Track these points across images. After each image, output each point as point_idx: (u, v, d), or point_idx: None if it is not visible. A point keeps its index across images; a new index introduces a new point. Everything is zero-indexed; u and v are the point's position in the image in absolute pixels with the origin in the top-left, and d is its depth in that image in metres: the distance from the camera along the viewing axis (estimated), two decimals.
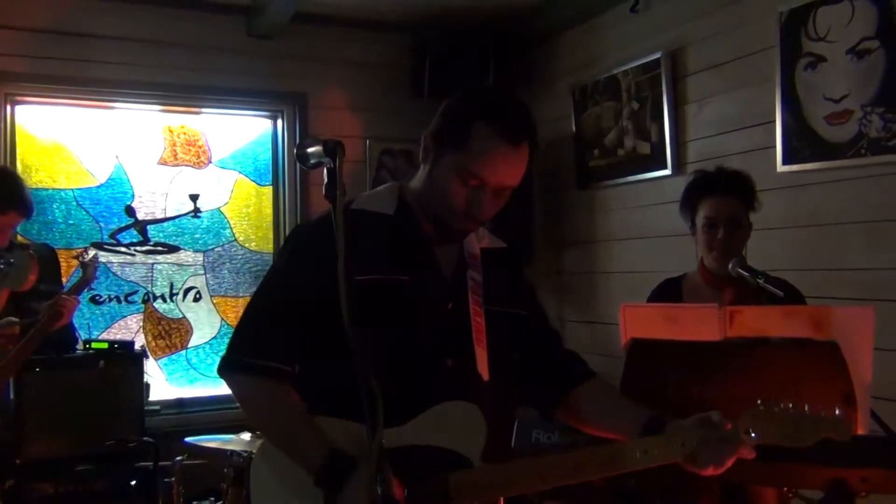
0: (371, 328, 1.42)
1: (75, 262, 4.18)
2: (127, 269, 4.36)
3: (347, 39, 4.58)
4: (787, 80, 3.02)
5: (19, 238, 4.03)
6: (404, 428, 1.43)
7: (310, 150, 1.27)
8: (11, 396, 3.42)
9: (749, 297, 2.32)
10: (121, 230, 4.38)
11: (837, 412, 1.43)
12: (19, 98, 4.09)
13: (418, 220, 1.58)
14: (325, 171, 1.22)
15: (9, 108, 4.05)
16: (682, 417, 1.73)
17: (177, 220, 4.48)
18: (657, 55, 3.71)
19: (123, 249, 4.36)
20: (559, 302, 4.61)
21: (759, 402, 1.43)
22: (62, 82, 4.07)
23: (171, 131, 4.48)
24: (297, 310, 1.51)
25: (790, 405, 1.42)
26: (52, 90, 4.11)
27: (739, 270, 2.30)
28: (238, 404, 1.55)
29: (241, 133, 4.63)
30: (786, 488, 2.16)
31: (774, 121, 3.08)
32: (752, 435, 1.41)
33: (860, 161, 2.77)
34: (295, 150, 1.31)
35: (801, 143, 2.98)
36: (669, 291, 2.57)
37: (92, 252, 3.35)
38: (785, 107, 3.03)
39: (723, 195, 2.44)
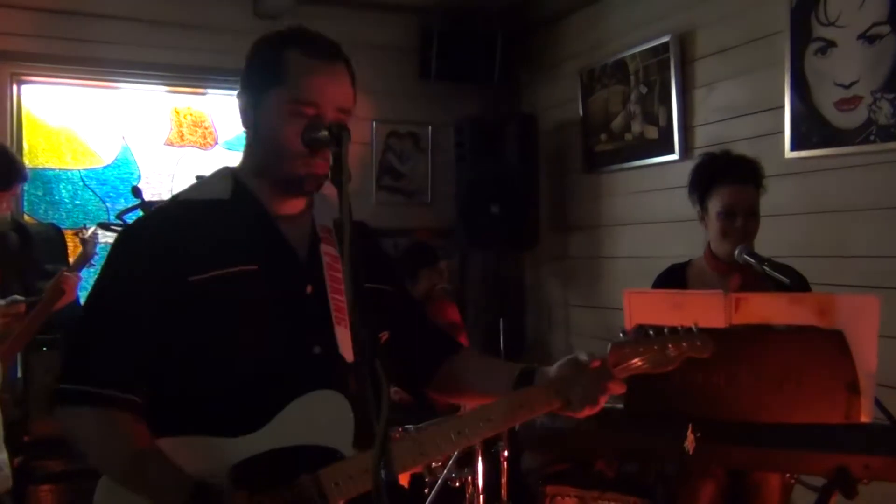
0: (225, 328, 1.34)
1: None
2: None
3: (354, 21, 4.56)
4: (797, 65, 2.99)
5: (26, 218, 4.05)
6: (263, 432, 1.32)
7: (314, 135, 1.26)
8: (19, 375, 3.45)
9: (756, 283, 2.32)
10: (127, 210, 4.36)
11: (694, 328, 1.42)
12: (25, 78, 4.10)
13: (259, 199, 1.43)
14: (330, 155, 1.21)
15: (15, 87, 4.05)
16: (688, 404, 1.73)
17: None
18: (665, 39, 3.67)
19: None
20: (564, 286, 4.62)
21: (620, 333, 1.42)
22: (68, 62, 4.08)
23: (177, 112, 4.48)
24: (135, 322, 1.34)
25: (650, 331, 1.41)
26: (59, 70, 4.12)
27: (745, 257, 2.29)
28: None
29: None
30: (788, 474, 2.17)
31: (783, 106, 3.05)
32: (619, 367, 1.39)
33: (869, 148, 2.75)
34: (302, 136, 1.29)
35: (810, 128, 2.96)
36: (675, 277, 2.57)
37: (91, 228, 3.37)
38: (794, 92, 3.01)
39: (741, 183, 2.40)
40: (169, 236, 1.38)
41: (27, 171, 3.07)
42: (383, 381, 0.98)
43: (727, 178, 2.41)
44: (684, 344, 1.41)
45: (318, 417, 1.33)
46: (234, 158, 1.53)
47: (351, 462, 1.28)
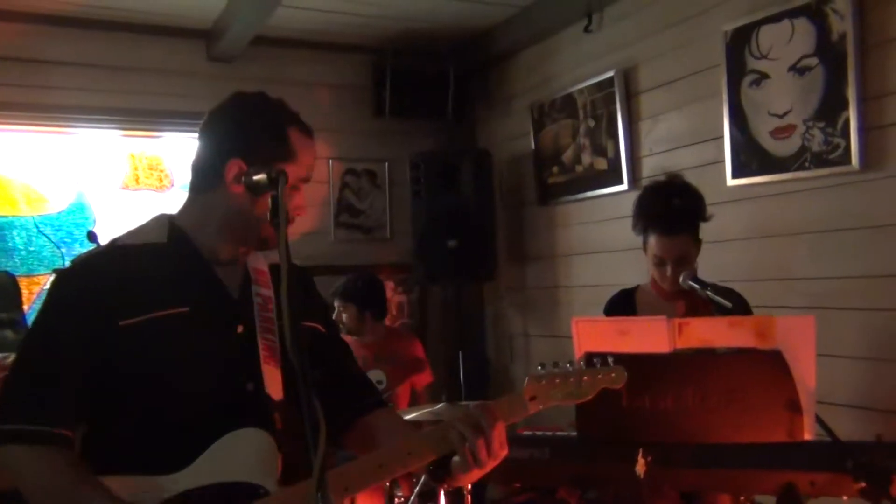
0: (157, 370, 1.37)
1: (37, 288, 4.17)
2: None
3: (307, 61, 4.63)
4: (734, 97, 3.11)
5: None
6: (191, 469, 1.35)
7: (255, 178, 1.30)
8: None
9: (701, 307, 2.39)
10: None
11: (611, 361, 1.53)
12: None
13: (195, 245, 1.47)
14: (269, 199, 1.25)
15: None
16: (638, 429, 1.77)
17: None
18: (611, 73, 3.79)
19: None
20: (523, 316, 4.67)
21: (538, 366, 1.51)
22: (21, 109, 4.05)
23: (132, 156, 4.48)
24: (65, 365, 1.36)
25: (567, 364, 1.51)
26: (12, 117, 4.09)
27: (690, 283, 2.37)
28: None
29: None
30: (742, 496, 2.22)
31: (723, 136, 3.17)
32: (535, 400, 1.47)
33: (804, 174, 2.86)
34: (243, 180, 1.33)
35: (749, 157, 3.07)
36: (624, 303, 2.63)
37: None
38: (732, 122, 3.12)
39: (671, 235, 2.43)
40: (102, 281, 1.40)
41: None
42: (321, 417, 1.01)
43: (657, 228, 2.45)
44: (599, 376, 1.50)
45: (243, 455, 1.36)
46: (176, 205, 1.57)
47: (275, 499, 1.31)
